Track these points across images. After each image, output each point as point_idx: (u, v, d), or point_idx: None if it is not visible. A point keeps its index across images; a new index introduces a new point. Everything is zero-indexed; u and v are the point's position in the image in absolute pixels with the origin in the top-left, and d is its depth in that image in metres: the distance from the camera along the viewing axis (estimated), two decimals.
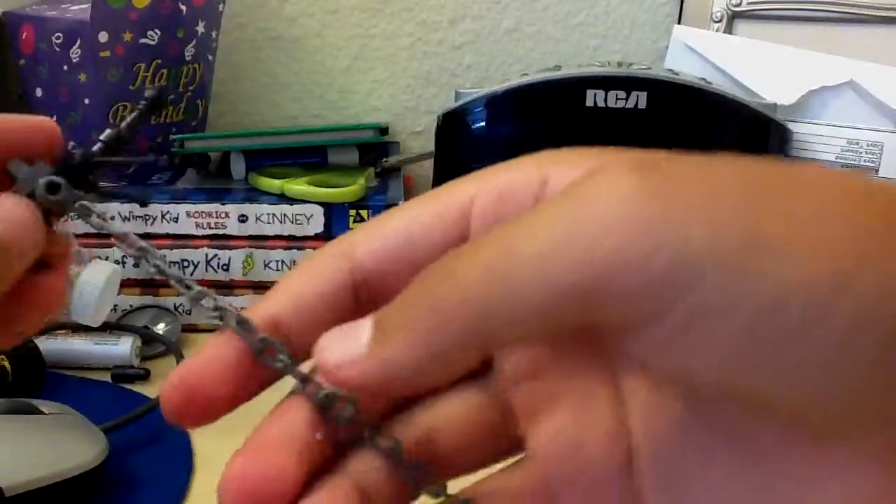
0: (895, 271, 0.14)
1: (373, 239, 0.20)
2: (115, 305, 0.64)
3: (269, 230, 0.66)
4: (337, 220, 0.66)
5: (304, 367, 0.20)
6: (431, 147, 0.76)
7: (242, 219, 0.66)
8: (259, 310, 0.20)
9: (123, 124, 0.25)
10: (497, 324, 0.16)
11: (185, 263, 0.66)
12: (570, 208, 0.16)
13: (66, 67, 0.74)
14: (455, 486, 0.20)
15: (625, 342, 0.16)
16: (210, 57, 0.82)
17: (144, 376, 0.60)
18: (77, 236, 0.62)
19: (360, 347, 0.18)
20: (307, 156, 0.74)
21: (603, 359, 0.19)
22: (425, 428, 0.21)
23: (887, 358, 0.15)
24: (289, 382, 0.20)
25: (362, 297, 0.20)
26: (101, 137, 0.25)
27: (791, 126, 0.72)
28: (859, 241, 0.15)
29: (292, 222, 0.66)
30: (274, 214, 0.66)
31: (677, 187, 0.15)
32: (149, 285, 0.66)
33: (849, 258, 0.14)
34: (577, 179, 0.16)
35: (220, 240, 0.66)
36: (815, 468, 0.16)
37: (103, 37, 0.71)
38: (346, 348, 0.18)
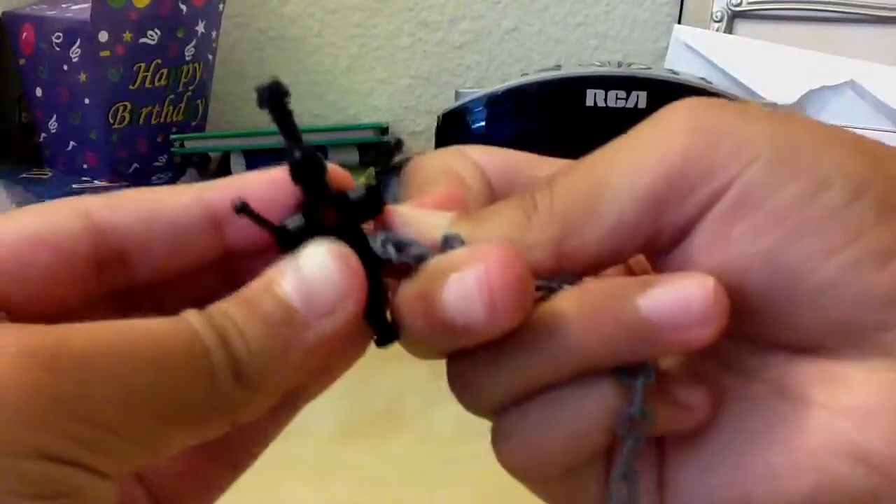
0: None
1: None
2: None
3: None
4: None
5: None
6: (431, 147, 0.76)
7: None
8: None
9: (292, 134, 0.19)
10: (580, 227, 0.19)
11: None
12: (649, 132, 0.20)
13: (66, 67, 0.74)
14: None
15: (683, 245, 0.19)
16: (210, 57, 0.82)
17: None
18: None
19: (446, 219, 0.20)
20: None
21: None
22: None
23: None
24: None
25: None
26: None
27: None
28: (868, 150, 0.18)
29: None
30: None
31: (731, 108, 0.19)
32: None
33: (869, 156, 0.18)
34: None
35: None
36: (819, 386, 0.18)
37: (103, 37, 0.71)
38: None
